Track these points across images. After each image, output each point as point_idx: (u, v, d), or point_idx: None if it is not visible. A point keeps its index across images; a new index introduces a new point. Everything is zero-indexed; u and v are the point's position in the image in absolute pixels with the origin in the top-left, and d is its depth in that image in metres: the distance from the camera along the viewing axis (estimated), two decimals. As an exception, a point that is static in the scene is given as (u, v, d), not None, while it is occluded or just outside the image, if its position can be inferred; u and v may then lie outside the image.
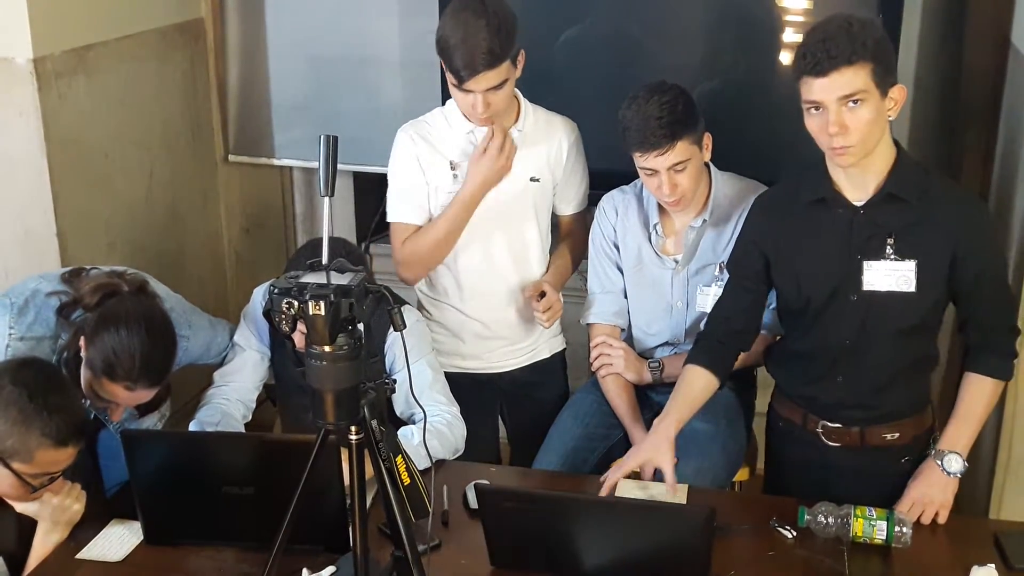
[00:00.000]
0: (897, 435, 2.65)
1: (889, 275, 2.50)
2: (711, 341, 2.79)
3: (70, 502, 2.44)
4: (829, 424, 2.69)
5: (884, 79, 2.35)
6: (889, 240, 2.50)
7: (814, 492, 2.55)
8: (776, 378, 2.85)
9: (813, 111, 2.39)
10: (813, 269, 2.60)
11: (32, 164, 3.17)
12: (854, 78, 2.32)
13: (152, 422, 2.79)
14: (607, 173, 3.17)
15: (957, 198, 2.56)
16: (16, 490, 2.31)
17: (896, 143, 2.50)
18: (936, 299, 2.55)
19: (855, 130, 2.36)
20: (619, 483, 2.67)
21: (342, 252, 2.52)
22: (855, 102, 2.34)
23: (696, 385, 2.74)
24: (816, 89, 2.36)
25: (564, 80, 3.54)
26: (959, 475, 2.55)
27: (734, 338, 2.78)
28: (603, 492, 2.59)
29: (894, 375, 2.62)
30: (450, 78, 2.83)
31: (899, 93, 2.40)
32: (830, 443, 2.69)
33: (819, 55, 2.32)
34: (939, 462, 2.55)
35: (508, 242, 3.11)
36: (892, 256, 2.50)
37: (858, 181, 2.50)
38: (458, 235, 3.03)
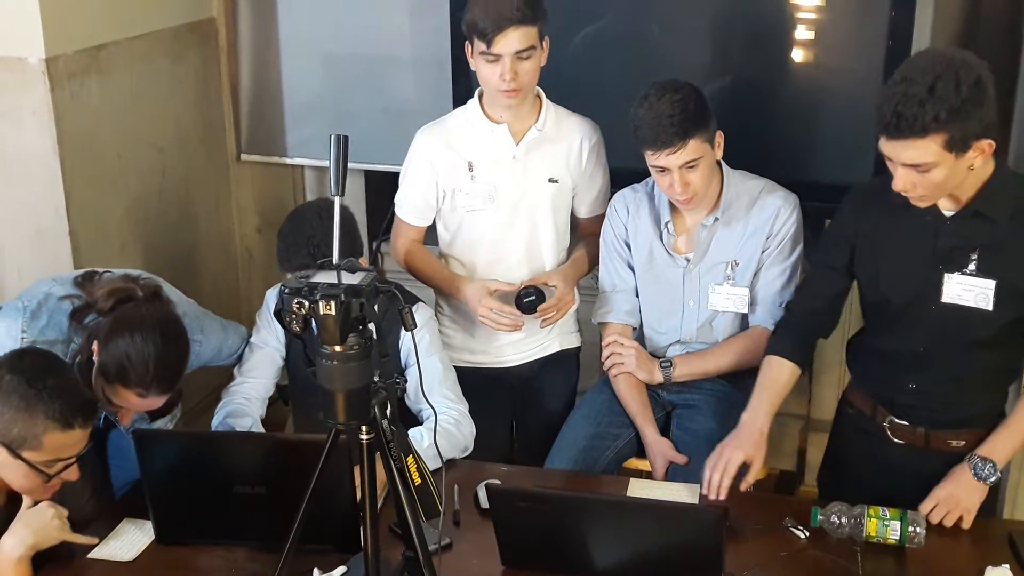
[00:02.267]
0: (963, 443, 2.60)
1: (969, 290, 2.47)
2: (792, 330, 2.78)
3: (43, 525, 2.35)
4: (897, 420, 2.66)
5: (963, 142, 2.26)
6: (972, 256, 2.46)
7: (870, 489, 2.52)
8: (852, 370, 2.83)
9: (887, 160, 2.35)
10: (895, 271, 2.58)
11: (44, 164, 3.18)
12: (923, 151, 2.26)
13: (163, 423, 2.79)
14: (623, 171, 3.17)
15: None
16: (31, 481, 2.30)
17: (997, 159, 2.41)
18: (1015, 318, 2.49)
19: (923, 187, 2.33)
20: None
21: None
22: (923, 171, 2.30)
23: (781, 377, 2.73)
24: (886, 147, 2.32)
25: (580, 79, 3.54)
26: (989, 483, 2.52)
27: (815, 324, 2.77)
28: (719, 496, 2.58)
29: (966, 386, 2.59)
30: (478, 49, 2.84)
31: (988, 146, 2.31)
32: (895, 439, 2.67)
33: (890, 119, 2.26)
34: (972, 467, 2.52)
35: (523, 241, 3.12)
36: (973, 272, 2.46)
37: (949, 196, 2.45)
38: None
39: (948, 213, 2.47)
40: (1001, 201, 2.43)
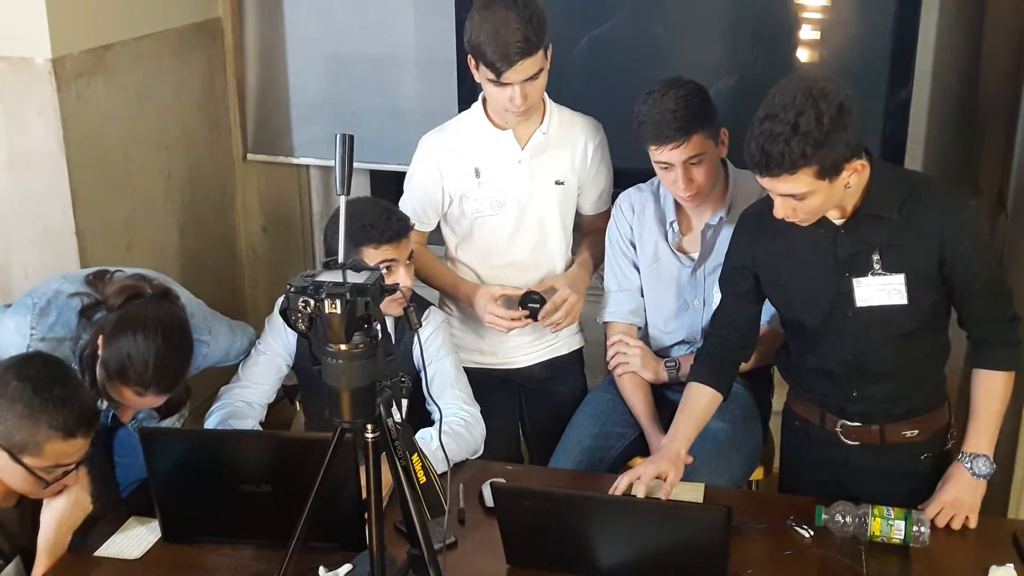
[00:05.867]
0: (916, 432, 2.64)
1: (880, 289, 2.49)
2: (710, 357, 2.80)
3: (77, 508, 2.42)
4: (848, 423, 2.67)
5: (834, 168, 2.29)
6: (875, 256, 2.48)
7: (831, 492, 2.54)
8: (790, 384, 2.85)
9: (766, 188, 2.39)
10: (803, 288, 2.60)
11: (51, 163, 3.19)
12: (796, 183, 2.29)
13: (170, 423, 2.80)
14: (629, 172, 3.17)
15: (938, 202, 2.50)
16: (30, 485, 2.32)
17: (870, 159, 2.43)
18: (933, 302, 2.52)
19: (803, 212, 2.37)
20: (635, 482, 2.67)
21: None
22: (800, 199, 2.33)
23: (700, 403, 2.75)
24: (762, 181, 2.35)
25: (585, 79, 3.54)
26: (987, 477, 2.53)
27: (733, 353, 2.79)
28: (616, 492, 2.57)
29: (905, 378, 2.61)
30: (484, 75, 2.83)
31: (860, 166, 2.35)
32: (849, 442, 2.68)
33: (759, 159, 2.29)
34: (967, 465, 2.52)
35: (531, 243, 3.12)
36: (880, 271, 2.48)
37: (835, 208, 2.47)
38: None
39: (839, 222, 2.49)
40: (887, 198, 2.46)
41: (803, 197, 2.32)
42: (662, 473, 2.59)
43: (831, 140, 2.25)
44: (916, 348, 2.59)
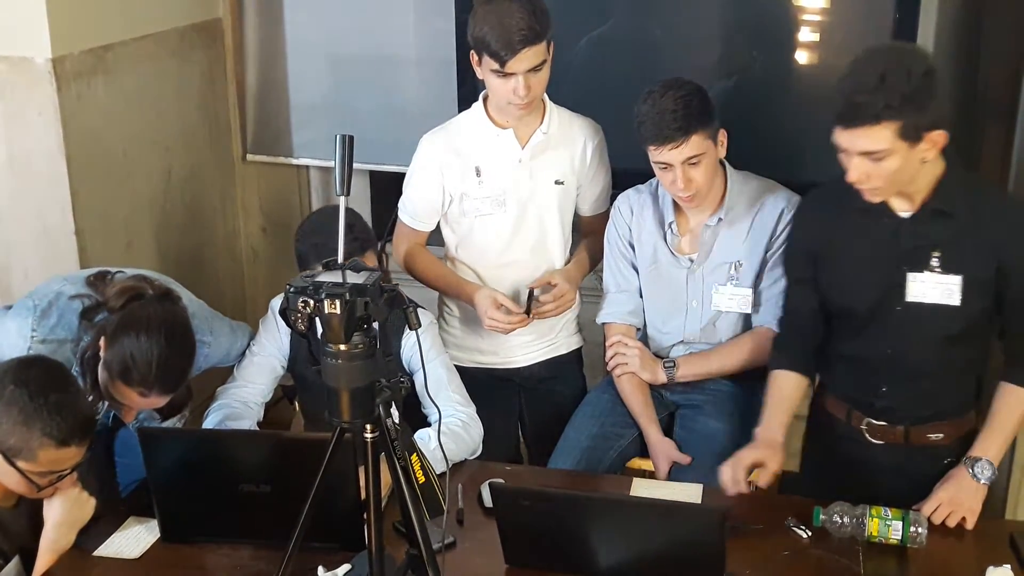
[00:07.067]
0: (941, 435, 2.63)
1: (935, 288, 2.49)
2: (786, 342, 2.80)
3: (76, 508, 2.43)
4: (874, 422, 2.67)
5: (915, 131, 2.29)
6: (935, 253, 2.47)
7: (853, 490, 2.53)
8: (821, 377, 2.84)
9: (840, 153, 2.37)
10: (856, 276, 2.59)
11: (51, 163, 3.19)
12: (877, 138, 2.28)
13: (171, 422, 2.80)
14: (628, 173, 3.17)
15: (1006, 209, 2.52)
16: (24, 488, 2.32)
17: (947, 155, 2.43)
18: (983, 307, 2.51)
19: (877, 178, 2.35)
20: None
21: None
22: (878, 159, 2.32)
23: (785, 388, 2.74)
24: (840, 137, 2.33)
25: (584, 81, 3.55)
26: (987, 483, 2.53)
27: (807, 336, 2.77)
28: (733, 491, 2.60)
29: (939, 381, 2.61)
30: (488, 67, 2.84)
31: (939, 137, 2.34)
32: (874, 440, 2.68)
33: (843, 108, 2.29)
34: (970, 469, 2.53)
35: (531, 243, 3.13)
36: (937, 269, 2.47)
37: (903, 196, 2.47)
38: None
39: (904, 214, 2.49)
40: (957, 196, 2.45)
41: (881, 157, 2.31)
42: (759, 460, 2.60)
43: (917, 98, 2.26)
44: (957, 352, 2.58)
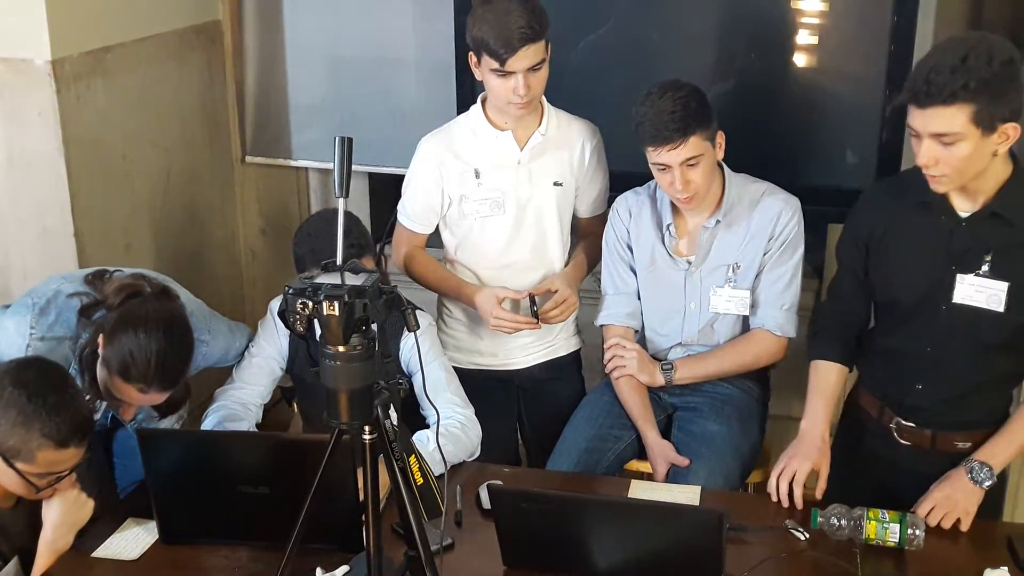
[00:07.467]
0: (969, 444, 2.61)
1: (980, 291, 2.47)
2: (827, 331, 2.79)
3: (75, 509, 2.43)
4: (903, 422, 2.67)
5: (989, 119, 2.26)
6: (987, 257, 2.46)
7: (874, 489, 2.54)
8: (859, 368, 2.83)
9: (913, 136, 2.35)
10: (906, 270, 2.58)
11: (50, 165, 3.19)
12: (951, 120, 2.26)
13: (170, 422, 2.81)
14: (625, 175, 3.18)
15: None
16: (23, 489, 2.32)
17: (1015, 158, 2.42)
18: None
19: (946, 164, 2.33)
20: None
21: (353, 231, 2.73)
22: (949, 143, 2.29)
23: (829, 380, 2.74)
24: (914, 118, 2.31)
25: (582, 84, 3.55)
26: (984, 486, 2.52)
27: (850, 324, 2.77)
28: (793, 504, 2.60)
29: (973, 388, 2.60)
30: (487, 66, 2.85)
31: (1013, 131, 2.30)
32: (901, 440, 2.68)
33: (920, 86, 2.26)
34: (969, 471, 2.52)
35: (530, 244, 3.13)
36: (987, 273, 2.46)
37: (966, 193, 2.45)
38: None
39: (964, 214, 2.47)
40: (1019, 203, 2.43)
41: (952, 142, 2.28)
42: (816, 465, 2.61)
43: (996, 84, 2.23)
44: (996, 361, 2.57)
